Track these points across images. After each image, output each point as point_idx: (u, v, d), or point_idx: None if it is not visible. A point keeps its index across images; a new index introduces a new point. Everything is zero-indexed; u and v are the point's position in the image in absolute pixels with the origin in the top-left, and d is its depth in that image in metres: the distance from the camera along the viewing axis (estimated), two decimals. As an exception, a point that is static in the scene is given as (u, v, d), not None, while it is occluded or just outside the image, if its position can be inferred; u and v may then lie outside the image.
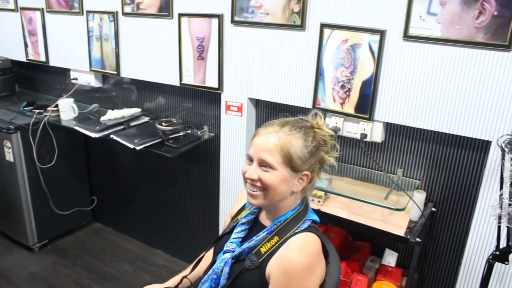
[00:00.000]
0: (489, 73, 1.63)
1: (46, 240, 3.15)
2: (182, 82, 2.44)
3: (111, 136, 2.47)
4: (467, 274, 1.87)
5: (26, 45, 3.15)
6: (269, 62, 2.12)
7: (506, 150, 1.42)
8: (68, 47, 2.92)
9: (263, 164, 1.24)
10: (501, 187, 1.46)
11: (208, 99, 2.50)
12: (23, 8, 3.04)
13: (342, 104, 1.96)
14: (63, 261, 3.00)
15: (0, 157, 2.89)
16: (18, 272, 2.85)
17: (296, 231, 1.26)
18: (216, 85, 2.32)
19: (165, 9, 2.36)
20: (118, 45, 2.64)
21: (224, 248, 1.34)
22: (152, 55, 2.52)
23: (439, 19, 1.66)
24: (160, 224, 3.10)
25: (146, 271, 2.94)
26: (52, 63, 3.05)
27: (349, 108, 1.95)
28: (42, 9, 2.92)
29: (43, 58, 3.08)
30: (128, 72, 2.68)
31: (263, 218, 1.37)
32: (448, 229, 2.01)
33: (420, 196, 1.88)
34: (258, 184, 1.25)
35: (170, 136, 2.43)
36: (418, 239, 1.74)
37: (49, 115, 2.82)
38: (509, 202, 1.45)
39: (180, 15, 2.31)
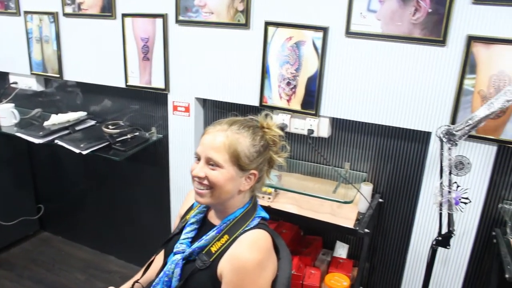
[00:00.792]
0: (427, 67, 1.70)
1: (-10, 253, 3.01)
2: (128, 84, 2.39)
3: (56, 141, 2.39)
4: (414, 261, 1.95)
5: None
6: (215, 61, 2.11)
7: (444, 140, 1.49)
8: (6, 50, 2.78)
9: (210, 162, 1.24)
10: (441, 176, 1.53)
11: (155, 100, 2.47)
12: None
13: (288, 101, 1.98)
14: (9, 274, 2.86)
15: None
16: (-41, 290, 2.71)
17: (246, 229, 1.27)
18: (162, 86, 2.29)
19: (107, 10, 2.30)
20: (60, 47, 2.55)
21: (174, 250, 1.33)
22: (96, 56, 2.45)
23: (378, 15, 1.72)
24: (111, 229, 3.02)
25: (98, 278, 2.86)
26: (-12, 67, 2.91)
27: (296, 104, 1.97)
28: (-25, 9, 2.78)
29: (-22, 62, 2.92)
30: (71, 74, 2.60)
31: (212, 217, 1.37)
32: (395, 218, 2.08)
33: (367, 188, 1.94)
34: (205, 182, 1.25)
35: (118, 139, 2.38)
36: (366, 230, 1.78)
37: (-12, 122, 2.68)
38: (449, 190, 1.52)
39: (124, 15, 2.26)
